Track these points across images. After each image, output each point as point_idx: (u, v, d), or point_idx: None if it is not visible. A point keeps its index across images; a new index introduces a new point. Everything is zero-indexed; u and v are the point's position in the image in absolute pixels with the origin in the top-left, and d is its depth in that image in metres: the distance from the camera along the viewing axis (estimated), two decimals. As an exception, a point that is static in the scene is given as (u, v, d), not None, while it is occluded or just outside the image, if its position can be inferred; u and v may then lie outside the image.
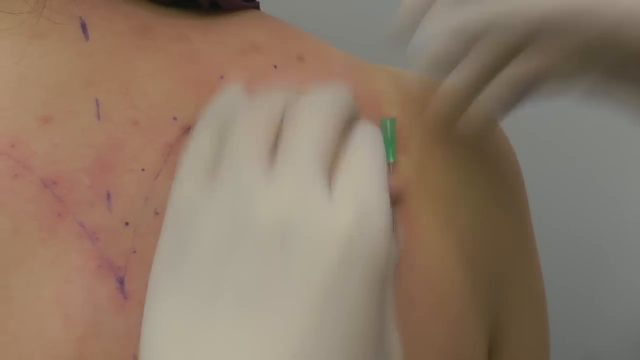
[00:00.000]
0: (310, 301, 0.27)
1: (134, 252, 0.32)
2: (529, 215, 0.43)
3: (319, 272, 0.27)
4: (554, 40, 0.35)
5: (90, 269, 0.31)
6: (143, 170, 0.33)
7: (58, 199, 0.32)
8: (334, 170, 0.30)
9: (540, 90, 0.37)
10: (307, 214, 0.28)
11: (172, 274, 0.29)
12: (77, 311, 0.31)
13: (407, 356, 0.30)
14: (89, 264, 0.31)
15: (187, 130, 0.34)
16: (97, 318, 0.31)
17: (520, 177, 0.43)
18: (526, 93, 0.37)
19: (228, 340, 0.27)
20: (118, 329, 0.31)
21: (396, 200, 0.35)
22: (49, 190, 0.32)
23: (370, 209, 0.29)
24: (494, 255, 0.39)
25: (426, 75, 0.38)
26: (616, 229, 1.14)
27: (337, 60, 0.39)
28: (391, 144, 0.36)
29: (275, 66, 0.37)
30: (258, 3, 0.40)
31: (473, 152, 0.39)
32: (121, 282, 0.32)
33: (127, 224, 0.32)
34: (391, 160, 0.36)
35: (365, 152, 0.31)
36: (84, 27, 0.35)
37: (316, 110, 0.31)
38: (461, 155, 0.39)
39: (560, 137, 1.09)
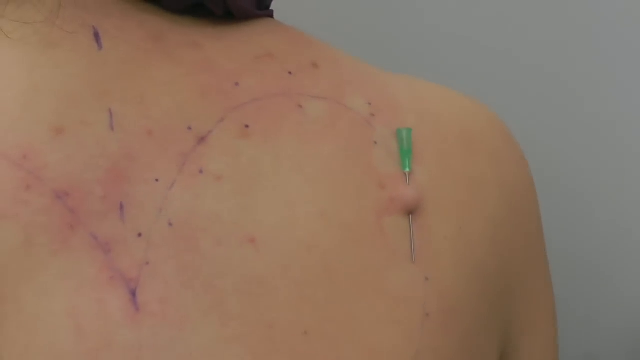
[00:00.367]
0: None
1: (147, 263, 0.32)
2: (541, 224, 0.43)
3: None
4: None
5: (102, 280, 0.31)
6: (157, 180, 0.33)
7: (70, 210, 0.32)
8: None
9: None
10: None
11: None
12: (88, 323, 0.31)
13: None
14: (101, 276, 0.31)
15: (201, 140, 0.34)
16: (109, 330, 0.31)
17: (532, 186, 0.42)
18: None
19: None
20: (130, 341, 0.31)
21: (413, 210, 0.35)
22: (61, 201, 0.32)
23: None
24: (507, 266, 0.39)
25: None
26: (614, 231, 1.14)
27: (352, 67, 0.39)
28: (407, 154, 0.36)
29: (290, 72, 0.37)
30: (272, 12, 0.40)
31: (486, 161, 0.39)
32: (133, 294, 0.31)
33: (140, 235, 0.32)
34: (407, 170, 0.36)
35: None
36: (97, 36, 0.35)
37: None
38: (475, 165, 0.38)
39: (560, 138, 1.09)
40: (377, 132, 0.36)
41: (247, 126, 0.34)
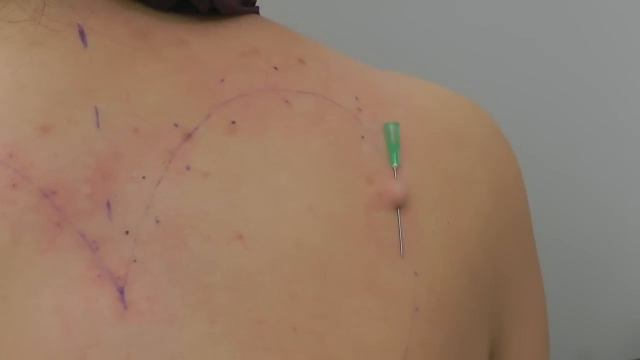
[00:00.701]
0: None
1: (135, 261, 0.32)
2: (530, 220, 0.43)
3: None
4: None
5: (90, 278, 0.31)
6: (144, 178, 0.33)
7: (57, 208, 0.31)
8: None
9: None
10: None
11: None
12: (76, 321, 0.30)
13: None
14: (89, 274, 0.31)
15: (188, 136, 0.34)
16: (97, 328, 0.31)
17: (521, 181, 0.42)
18: None
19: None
20: (118, 339, 0.31)
21: (401, 205, 0.35)
22: (48, 200, 0.31)
23: None
24: (497, 261, 0.39)
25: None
26: (610, 229, 1.14)
27: (339, 63, 0.39)
28: (395, 148, 0.36)
29: (276, 68, 0.36)
30: (257, 8, 0.40)
31: (475, 157, 0.39)
32: (121, 291, 0.31)
33: (127, 232, 0.32)
34: (395, 165, 0.36)
35: None
36: (82, 33, 0.35)
37: None
38: (464, 161, 0.38)
39: (559, 138, 1.09)
40: (365, 126, 0.36)
41: (233, 122, 0.34)
